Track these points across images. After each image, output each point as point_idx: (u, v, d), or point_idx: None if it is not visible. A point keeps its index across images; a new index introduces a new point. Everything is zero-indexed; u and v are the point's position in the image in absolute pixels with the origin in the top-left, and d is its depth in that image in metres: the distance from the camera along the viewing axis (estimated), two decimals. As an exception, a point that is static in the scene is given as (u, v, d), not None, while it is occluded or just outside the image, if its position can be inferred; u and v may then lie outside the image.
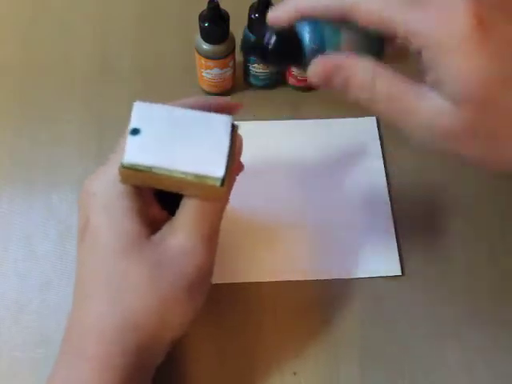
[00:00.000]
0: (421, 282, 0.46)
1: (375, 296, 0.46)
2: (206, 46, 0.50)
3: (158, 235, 0.35)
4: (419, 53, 0.32)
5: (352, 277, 0.47)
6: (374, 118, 0.54)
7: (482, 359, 0.44)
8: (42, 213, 0.49)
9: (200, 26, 0.49)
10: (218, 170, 0.32)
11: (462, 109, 0.31)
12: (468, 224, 0.49)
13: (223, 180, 0.32)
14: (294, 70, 0.53)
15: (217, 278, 0.46)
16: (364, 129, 0.53)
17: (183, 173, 0.32)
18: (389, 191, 0.50)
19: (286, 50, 0.35)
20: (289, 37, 0.35)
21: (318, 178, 0.51)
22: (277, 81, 0.56)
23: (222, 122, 0.33)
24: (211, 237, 0.36)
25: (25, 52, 0.57)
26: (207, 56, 0.51)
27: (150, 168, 0.32)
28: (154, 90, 0.55)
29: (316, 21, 0.35)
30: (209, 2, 0.47)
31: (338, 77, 0.33)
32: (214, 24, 0.49)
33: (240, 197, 0.49)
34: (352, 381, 0.43)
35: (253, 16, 0.49)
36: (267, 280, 0.46)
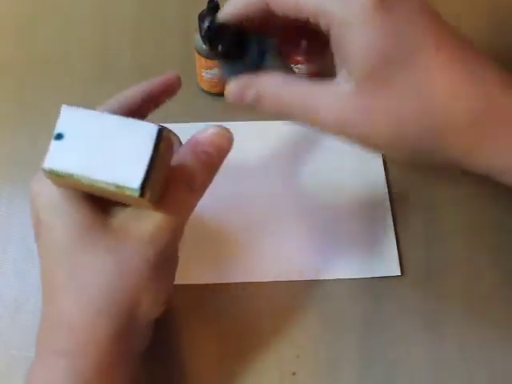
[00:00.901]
0: (420, 282, 0.46)
1: (375, 296, 0.46)
2: (205, 46, 0.50)
3: (117, 221, 0.35)
4: (328, 33, 0.34)
5: (351, 277, 0.46)
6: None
7: (482, 359, 0.44)
8: (41, 212, 0.49)
9: (199, 26, 0.49)
10: (134, 180, 0.31)
11: (362, 85, 0.33)
12: (468, 224, 0.49)
13: (142, 190, 0.31)
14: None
15: (216, 278, 0.46)
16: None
17: (103, 182, 0.31)
18: (388, 191, 0.50)
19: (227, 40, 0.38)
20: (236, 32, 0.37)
21: (317, 179, 0.51)
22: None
23: (147, 130, 0.32)
24: (176, 223, 0.35)
25: (25, 52, 0.57)
26: (207, 56, 0.51)
27: (71, 175, 0.32)
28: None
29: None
30: (208, 2, 0.47)
31: (250, 92, 0.36)
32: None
33: (239, 197, 0.49)
34: (351, 381, 0.43)
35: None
36: (267, 280, 0.46)
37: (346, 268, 0.47)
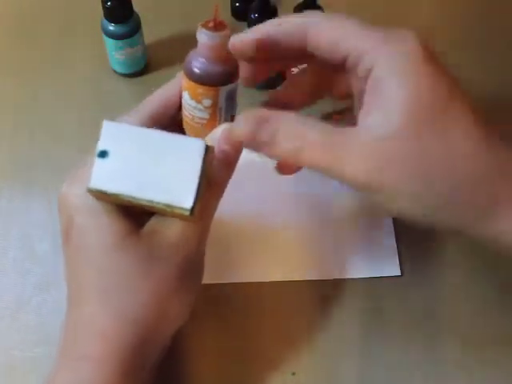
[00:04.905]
0: (420, 282, 0.46)
1: (375, 296, 0.46)
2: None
3: (147, 228, 0.35)
4: (366, 74, 0.33)
5: (352, 277, 0.46)
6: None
7: (482, 358, 0.44)
8: (41, 212, 0.49)
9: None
10: (186, 200, 0.31)
11: (398, 132, 0.31)
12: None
13: (192, 209, 0.31)
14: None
15: (217, 278, 0.46)
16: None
17: (151, 201, 0.31)
18: (389, 191, 0.50)
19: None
20: None
21: (317, 178, 0.51)
22: (277, 81, 0.56)
23: (194, 146, 0.31)
24: (202, 227, 0.36)
25: (24, 51, 0.58)
26: None
27: (118, 194, 0.31)
28: (155, 88, 0.55)
29: None
30: None
31: (264, 130, 0.32)
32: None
33: (239, 198, 0.49)
34: (351, 381, 0.43)
35: (252, 16, 0.50)
36: (267, 280, 0.46)
37: (346, 268, 0.47)
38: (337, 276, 0.46)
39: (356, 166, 0.31)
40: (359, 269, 0.47)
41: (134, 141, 0.32)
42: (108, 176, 0.31)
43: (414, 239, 0.48)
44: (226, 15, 0.59)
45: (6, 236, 0.48)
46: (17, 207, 0.49)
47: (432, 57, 0.32)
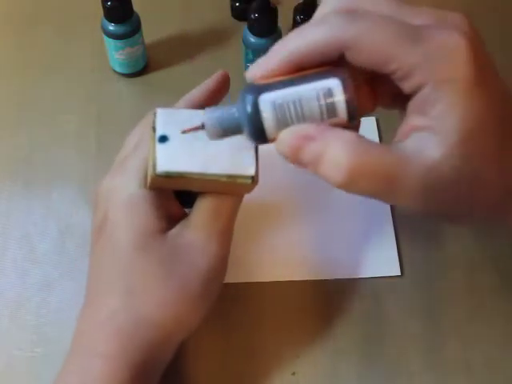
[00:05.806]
0: (420, 282, 0.46)
1: (375, 296, 0.46)
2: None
3: (174, 231, 0.35)
4: (414, 91, 0.30)
5: (352, 277, 0.46)
6: (373, 119, 0.54)
7: (482, 359, 0.44)
8: (41, 211, 0.49)
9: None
10: (249, 168, 0.33)
11: (454, 151, 0.29)
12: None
13: (254, 177, 0.33)
14: None
15: (216, 278, 0.46)
16: (364, 129, 0.52)
17: (215, 175, 0.33)
18: (389, 191, 0.50)
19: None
20: None
21: (317, 179, 0.51)
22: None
23: None
24: (225, 233, 0.36)
25: (24, 52, 0.58)
26: None
27: (183, 174, 0.33)
28: (155, 88, 0.55)
29: None
30: None
31: (311, 148, 0.29)
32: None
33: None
34: (351, 381, 0.43)
35: (252, 16, 0.50)
36: (267, 280, 0.46)
37: (346, 268, 0.47)
38: (337, 276, 0.46)
39: (412, 197, 0.29)
40: (359, 269, 0.47)
41: (187, 122, 0.33)
42: (171, 158, 0.33)
43: (414, 239, 0.48)
44: (225, 15, 0.59)
45: (6, 236, 0.48)
46: (17, 207, 0.49)
47: (483, 75, 0.29)
